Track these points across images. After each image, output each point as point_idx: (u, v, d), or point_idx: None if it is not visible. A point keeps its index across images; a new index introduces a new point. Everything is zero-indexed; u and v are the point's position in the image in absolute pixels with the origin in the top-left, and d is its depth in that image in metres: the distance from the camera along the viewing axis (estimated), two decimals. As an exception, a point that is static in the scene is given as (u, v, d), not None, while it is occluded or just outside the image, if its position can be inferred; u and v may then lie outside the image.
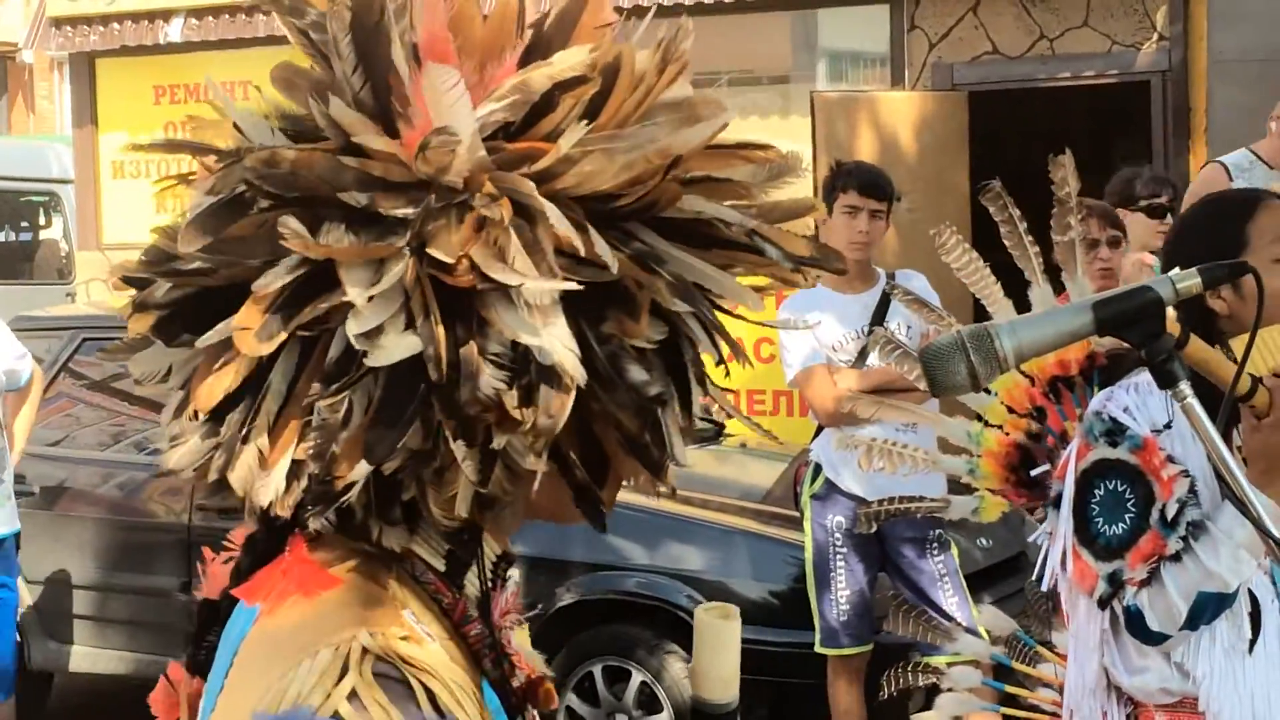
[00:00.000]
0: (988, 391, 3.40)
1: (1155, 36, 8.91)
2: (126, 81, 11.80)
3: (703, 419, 1.19)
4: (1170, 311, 1.70)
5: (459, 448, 1.05)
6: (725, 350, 1.16)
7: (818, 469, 5.12)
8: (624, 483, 1.19)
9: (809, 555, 5.12)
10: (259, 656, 1.10)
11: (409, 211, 1.04)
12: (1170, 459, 2.42)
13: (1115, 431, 2.46)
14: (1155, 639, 2.42)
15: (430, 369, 1.03)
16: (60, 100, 18.34)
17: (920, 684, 3.75)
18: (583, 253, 1.05)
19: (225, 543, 1.27)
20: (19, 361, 5.70)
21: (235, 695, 1.11)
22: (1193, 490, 2.41)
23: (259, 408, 1.07)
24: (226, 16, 10.94)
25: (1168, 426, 2.43)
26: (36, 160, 13.65)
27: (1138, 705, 2.52)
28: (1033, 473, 3.38)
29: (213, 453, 1.09)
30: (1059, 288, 3.38)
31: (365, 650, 1.05)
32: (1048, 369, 3.36)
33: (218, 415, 1.08)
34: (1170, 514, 2.39)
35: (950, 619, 4.66)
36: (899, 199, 5.61)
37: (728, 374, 1.18)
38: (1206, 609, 2.39)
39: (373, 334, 1.03)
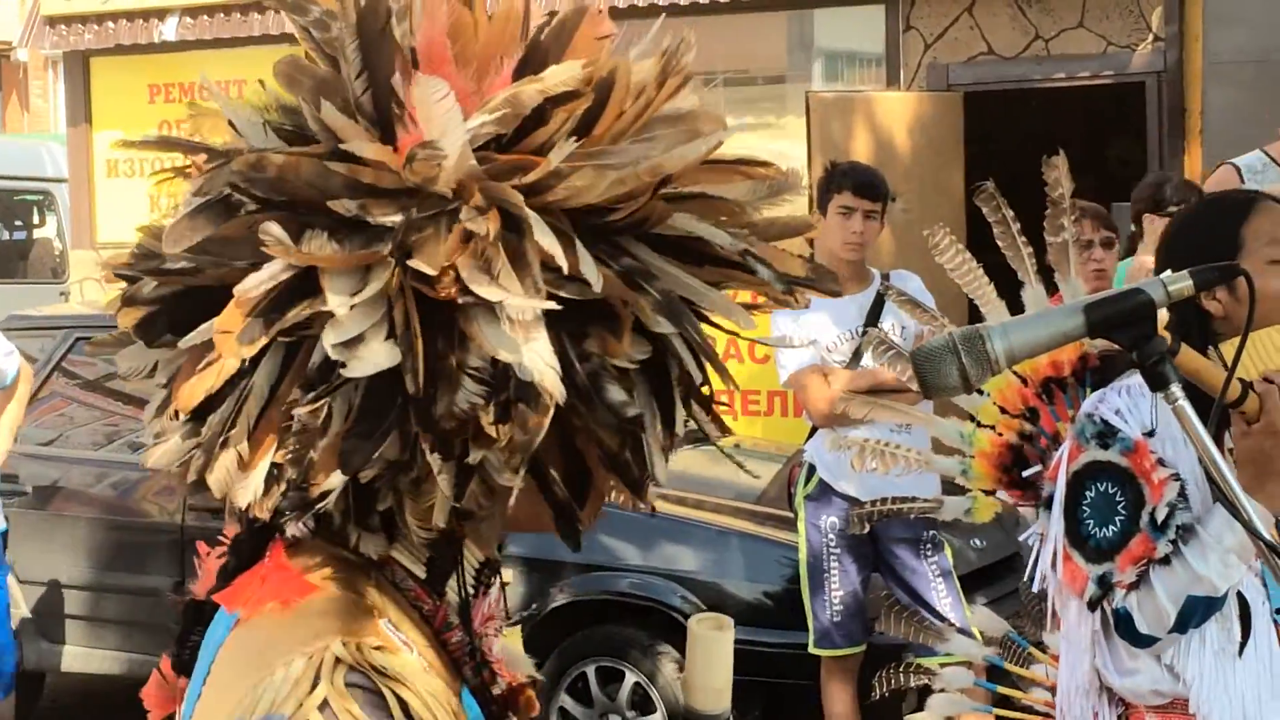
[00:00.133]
0: (980, 392, 3.39)
1: (1150, 38, 8.91)
2: (121, 80, 11.77)
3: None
4: (1162, 312, 1.69)
5: (435, 460, 1.05)
6: (710, 371, 1.15)
7: (812, 470, 5.12)
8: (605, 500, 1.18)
9: (803, 556, 5.11)
10: (235, 664, 1.10)
11: (398, 219, 1.03)
12: (1161, 462, 2.42)
13: (1107, 434, 2.46)
14: (1144, 642, 2.42)
15: (407, 381, 1.03)
16: (54, 99, 18.35)
17: (913, 685, 3.75)
18: (566, 269, 1.04)
19: (220, 538, 1.27)
20: (6, 359, 5.64)
21: (211, 703, 1.11)
22: (1183, 494, 2.40)
23: (240, 410, 1.07)
24: (221, 15, 10.93)
25: (1150, 434, 2.43)
26: (30, 159, 13.64)
27: (1129, 706, 2.51)
28: (1025, 473, 3.38)
29: (194, 452, 1.09)
30: (1052, 289, 3.37)
31: (338, 660, 1.05)
32: (1041, 370, 3.36)
33: (199, 415, 1.08)
34: (1160, 517, 2.39)
35: (944, 620, 4.65)
36: (894, 199, 5.59)
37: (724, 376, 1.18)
38: (1195, 613, 2.38)
39: (352, 344, 1.02)
